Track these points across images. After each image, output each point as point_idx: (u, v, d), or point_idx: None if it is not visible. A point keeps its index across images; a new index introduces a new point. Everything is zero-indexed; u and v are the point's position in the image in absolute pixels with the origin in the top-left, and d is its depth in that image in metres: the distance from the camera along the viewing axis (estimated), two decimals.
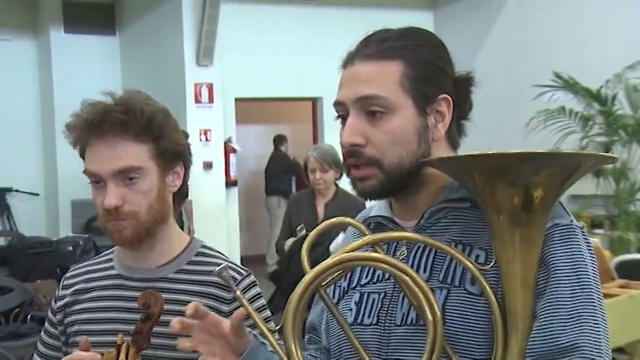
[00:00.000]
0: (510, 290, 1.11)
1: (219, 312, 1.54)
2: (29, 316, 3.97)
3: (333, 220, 1.26)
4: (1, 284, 4.21)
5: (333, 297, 1.30)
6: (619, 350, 3.74)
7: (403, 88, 1.20)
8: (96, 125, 1.50)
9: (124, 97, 1.55)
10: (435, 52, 1.24)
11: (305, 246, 1.22)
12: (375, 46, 1.22)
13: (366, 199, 1.29)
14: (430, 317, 1.12)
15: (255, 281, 1.61)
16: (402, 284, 1.16)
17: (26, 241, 5.66)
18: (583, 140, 6.51)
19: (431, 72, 1.22)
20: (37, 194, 8.65)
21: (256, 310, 1.56)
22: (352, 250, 1.18)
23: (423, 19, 8.49)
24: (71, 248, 5.14)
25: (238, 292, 1.21)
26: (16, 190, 8.46)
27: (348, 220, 1.27)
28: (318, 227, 1.24)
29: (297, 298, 1.16)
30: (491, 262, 1.14)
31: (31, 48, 8.78)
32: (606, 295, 3.36)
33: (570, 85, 6.61)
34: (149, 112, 1.53)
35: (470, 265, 1.14)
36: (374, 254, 1.17)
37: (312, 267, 1.17)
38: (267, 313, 1.60)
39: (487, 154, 1.06)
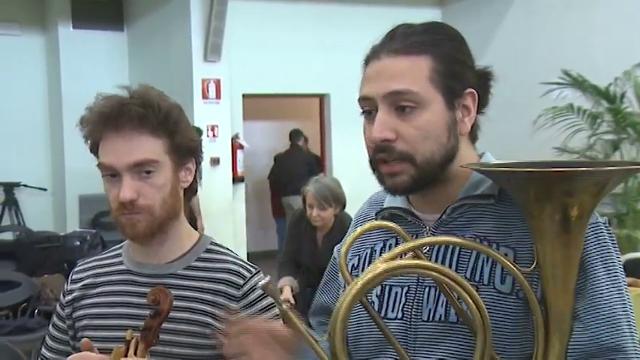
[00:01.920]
0: (554, 293, 1.11)
1: (229, 309, 1.54)
2: (36, 311, 3.97)
3: (369, 224, 1.22)
4: (9, 279, 4.22)
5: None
6: None
7: (433, 82, 1.20)
8: (112, 118, 1.49)
9: (140, 91, 1.55)
10: (458, 47, 1.25)
11: (342, 254, 1.19)
12: (402, 41, 1.22)
13: (395, 195, 1.27)
14: (480, 322, 1.12)
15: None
16: (454, 291, 1.14)
17: (34, 235, 5.67)
18: (591, 138, 6.49)
19: (457, 66, 1.22)
20: (44, 189, 8.66)
21: (265, 308, 1.56)
22: (394, 257, 1.15)
23: (430, 16, 8.46)
24: (79, 243, 5.14)
25: (284, 306, 1.18)
26: (24, 185, 8.47)
27: (387, 224, 1.22)
28: (353, 235, 1.20)
29: (346, 307, 1.12)
30: (522, 262, 1.15)
31: (39, 43, 8.79)
32: None
33: (579, 83, 6.58)
34: (166, 107, 1.53)
35: (514, 268, 1.13)
36: (427, 263, 1.15)
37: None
38: (276, 310, 1.60)
39: (547, 171, 1.05)
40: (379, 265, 1.13)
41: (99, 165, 1.54)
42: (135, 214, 1.51)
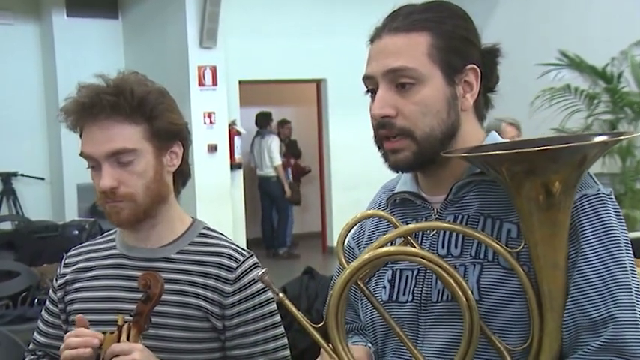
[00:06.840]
0: (541, 271, 1.12)
1: (222, 292, 1.54)
2: (36, 300, 3.97)
3: (363, 213, 1.27)
4: (8, 268, 4.22)
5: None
6: None
7: (431, 58, 1.22)
8: (87, 108, 1.51)
9: (116, 79, 1.55)
10: (461, 24, 1.26)
11: (340, 240, 1.22)
12: (402, 20, 1.24)
13: (397, 172, 1.30)
14: (465, 303, 1.13)
15: (257, 262, 1.61)
16: (437, 274, 1.18)
17: (32, 225, 5.66)
18: (588, 118, 6.48)
19: (458, 42, 1.23)
20: (42, 179, 8.66)
21: (257, 291, 1.57)
22: (385, 243, 1.19)
23: None
24: (77, 232, 5.14)
25: (281, 295, 1.22)
26: (22, 175, 8.47)
27: (379, 213, 1.28)
28: (349, 223, 1.23)
29: (337, 294, 1.17)
30: (522, 237, 1.15)
31: (34, 32, 8.74)
32: None
33: (575, 63, 6.56)
34: (140, 92, 1.53)
35: (501, 249, 1.15)
36: (409, 249, 1.18)
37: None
38: (268, 294, 1.60)
39: (507, 153, 1.08)
40: (365, 254, 1.17)
41: (81, 154, 1.55)
42: (117, 202, 1.52)
